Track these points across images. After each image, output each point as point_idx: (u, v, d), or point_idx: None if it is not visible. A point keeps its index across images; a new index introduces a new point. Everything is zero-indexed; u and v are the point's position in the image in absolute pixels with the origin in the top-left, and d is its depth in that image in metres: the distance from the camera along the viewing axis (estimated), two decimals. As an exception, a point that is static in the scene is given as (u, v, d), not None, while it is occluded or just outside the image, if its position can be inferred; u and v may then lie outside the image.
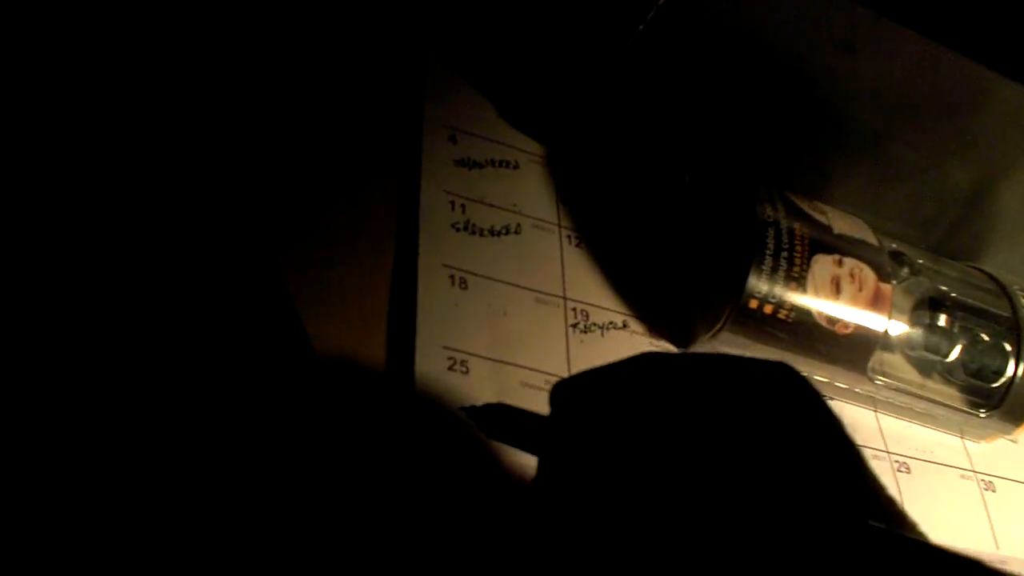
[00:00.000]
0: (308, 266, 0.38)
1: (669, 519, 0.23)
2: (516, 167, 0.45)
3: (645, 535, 0.24)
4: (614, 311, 0.43)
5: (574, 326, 0.41)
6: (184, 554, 0.29)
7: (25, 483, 0.29)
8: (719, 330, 0.42)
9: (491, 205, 0.43)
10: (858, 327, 0.42)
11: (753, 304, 0.41)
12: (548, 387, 0.38)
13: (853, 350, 0.43)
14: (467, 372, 0.37)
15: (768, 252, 0.41)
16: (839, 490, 0.24)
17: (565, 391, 0.28)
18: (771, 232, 0.41)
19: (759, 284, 0.41)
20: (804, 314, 0.41)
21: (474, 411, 0.31)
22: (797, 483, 0.24)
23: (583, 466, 0.25)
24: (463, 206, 0.42)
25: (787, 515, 0.23)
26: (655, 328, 0.44)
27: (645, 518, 0.24)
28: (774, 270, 0.41)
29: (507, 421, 0.30)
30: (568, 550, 0.24)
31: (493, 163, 0.45)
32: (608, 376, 0.28)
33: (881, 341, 0.43)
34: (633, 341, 0.42)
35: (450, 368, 0.37)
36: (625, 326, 0.43)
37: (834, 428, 0.26)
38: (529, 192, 0.45)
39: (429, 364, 0.37)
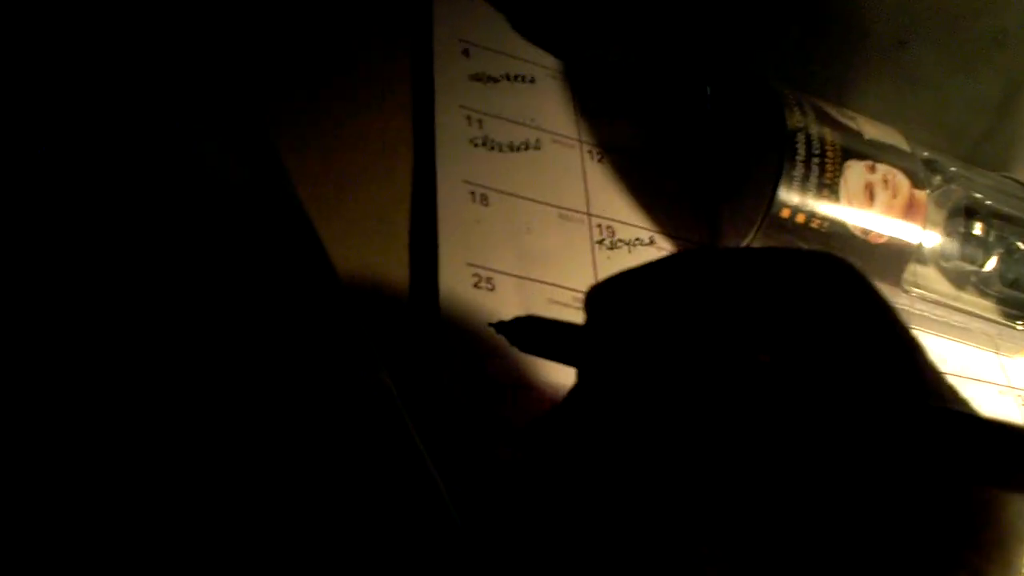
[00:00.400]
0: (324, 186, 0.36)
1: (725, 423, 0.22)
2: (532, 81, 0.43)
3: (702, 441, 0.22)
4: (640, 227, 0.41)
5: (600, 242, 0.40)
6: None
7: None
8: (749, 243, 0.40)
9: (509, 120, 0.41)
10: (892, 236, 0.41)
11: (785, 214, 0.39)
12: (576, 304, 0.37)
13: (887, 261, 0.41)
14: (493, 289, 0.36)
15: (799, 159, 0.39)
16: (903, 376, 0.23)
17: (601, 295, 0.27)
18: (801, 138, 0.40)
19: (790, 193, 0.39)
20: (837, 223, 0.40)
21: (504, 325, 0.30)
22: (858, 373, 0.23)
23: (627, 373, 0.24)
24: (480, 121, 0.40)
25: (850, 404, 0.21)
26: (682, 243, 0.42)
27: (702, 422, 0.22)
28: (805, 178, 0.39)
29: (539, 333, 0.29)
30: (616, 466, 0.23)
31: (508, 77, 0.43)
32: (647, 276, 0.26)
33: (915, 251, 0.42)
34: (661, 256, 0.41)
35: (475, 285, 0.36)
36: (652, 242, 0.41)
37: (890, 318, 0.24)
38: (547, 107, 0.43)
39: (454, 282, 0.35)
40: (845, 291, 0.24)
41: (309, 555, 0.27)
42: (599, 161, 0.43)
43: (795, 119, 0.40)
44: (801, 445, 0.22)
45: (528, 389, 0.34)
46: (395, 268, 0.36)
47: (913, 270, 0.43)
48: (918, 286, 0.44)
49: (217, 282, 0.30)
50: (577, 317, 0.37)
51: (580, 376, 0.26)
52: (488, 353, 0.34)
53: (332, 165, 0.37)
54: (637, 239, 0.41)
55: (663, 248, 0.41)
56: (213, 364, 0.28)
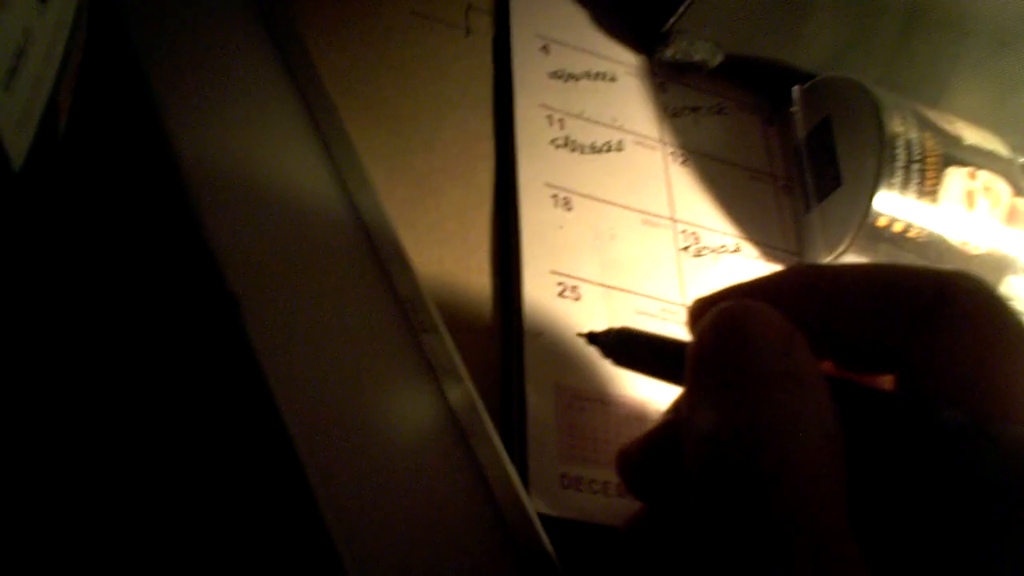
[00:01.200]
0: (403, 187, 0.35)
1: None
2: (613, 80, 0.42)
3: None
4: (726, 233, 0.40)
5: (685, 249, 0.38)
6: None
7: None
8: (843, 252, 0.38)
9: (590, 120, 0.40)
10: (992, 247, 0.39)
11: (882, 222, 0.37)
12: (663, 314, 0.35)
13: (985, 273, 0.39)
14: (578, 298, 0.34)
15: (899, 165, 0.37)
16: None
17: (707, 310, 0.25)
18: (901, 144, 0.38)
19: (889, 200, 0.37)
20: (936, 232, 0.38)
21: (597, 336, 0.29)
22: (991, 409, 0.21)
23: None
24: (561, 121, 0.39)
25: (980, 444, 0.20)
26: (770, 251, 0.40)
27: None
28: (905, 184, 0.37)
29: (636, 346, 0.27)
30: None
31: (589, 75, 0.41)
32: (758, 292, 0.25)
33: (1015, 263, 0.40)
34: (748, 266, 0.39)
35: (560, 294, 0.34)
36: (738, 249, 0.40)
37: None
38: (629, 107, 0.41)
39: (538, 290, 0.34)
40: (982, 316, 0.22)
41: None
42: (683, 164, 0.41)
43: (894, 124, 0.38)
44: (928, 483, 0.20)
45: (614, 404, 0.32)
46: (476, 275, 0.34)
47: (1011, 283, 0.41)
48: (1017, 301, 0.42)
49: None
50: (663, 328, 0.35)
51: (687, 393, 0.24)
52: (575, 365, 0.33)
53: (410, 166, 0.36)
54: (723, 246, 0.39)
55: (749, 256, 0.40)
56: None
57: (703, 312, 0.23)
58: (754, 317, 0.21)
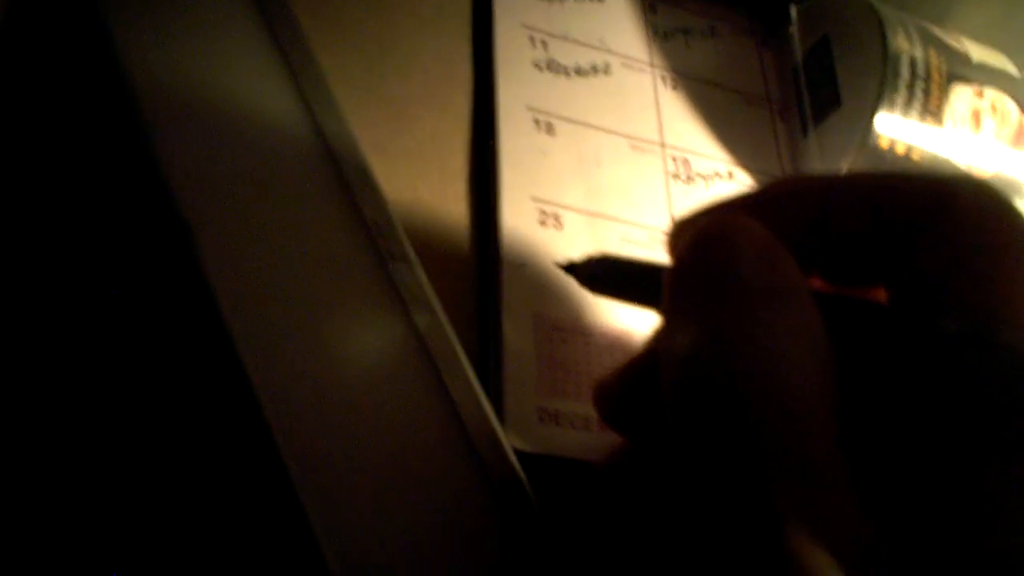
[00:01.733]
0: (375, 113, 0.33)
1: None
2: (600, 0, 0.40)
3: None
4: (718, 159, 0.38)
5: (675, 176, 0.36)
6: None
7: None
8: (842, 176, 0.36)
9: (575, 41, 0.38)
10: (998, 170, 0.37)
11: (883, 144, 0.35)
12: (651, 243, 0.33)
13: (992, 197, 0.37)
14: (560, 227, 0.33)
15: (903, 83, 0.35)
16: None
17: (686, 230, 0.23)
18: (905, 60, 0.35)
19: (892, 120, 0.35)
20: (940, 154, 0.36)
21: (575, 265, 0.27)
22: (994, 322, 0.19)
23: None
24: (544, 42, 0.37)
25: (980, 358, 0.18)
26: (765, 177, 0.38)
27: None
28: (908, 104, 0.35)
29: (614, 273, 0.26)
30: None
31: (574, -6, 0.39)
32: (742, 208, 0.23)
33: (1022, 188, 0.38)
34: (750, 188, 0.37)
35: (541, 222, 0.32)
36: (731, 176, 0.38)
37: None
38: (617, 28, 0.39)
39: (518, 218, 0.32)
40: (987, 222, 0.20)
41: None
42: (673, 88, 0.39)
43: (898, 40, 0.36)
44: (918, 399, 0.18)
45: (596, 336, 0.31)
46: (453, 203, 0.32)
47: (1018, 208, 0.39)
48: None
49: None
50: (652, 256, 0.34)
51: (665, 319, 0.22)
52: (555, 296, 0.31)
53: (383, 91, 0.34)
54: (715, 172, 0.37)
55: (743, 183, 0.38)
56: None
57: (683, 233, 0.21)
58: (734, 231, 0.20)
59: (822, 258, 0.21)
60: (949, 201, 0.20)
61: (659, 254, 0.33)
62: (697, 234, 0.20)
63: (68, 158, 0.27)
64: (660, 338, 0.20)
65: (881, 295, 0.21)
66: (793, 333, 0.18)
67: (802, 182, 0.23)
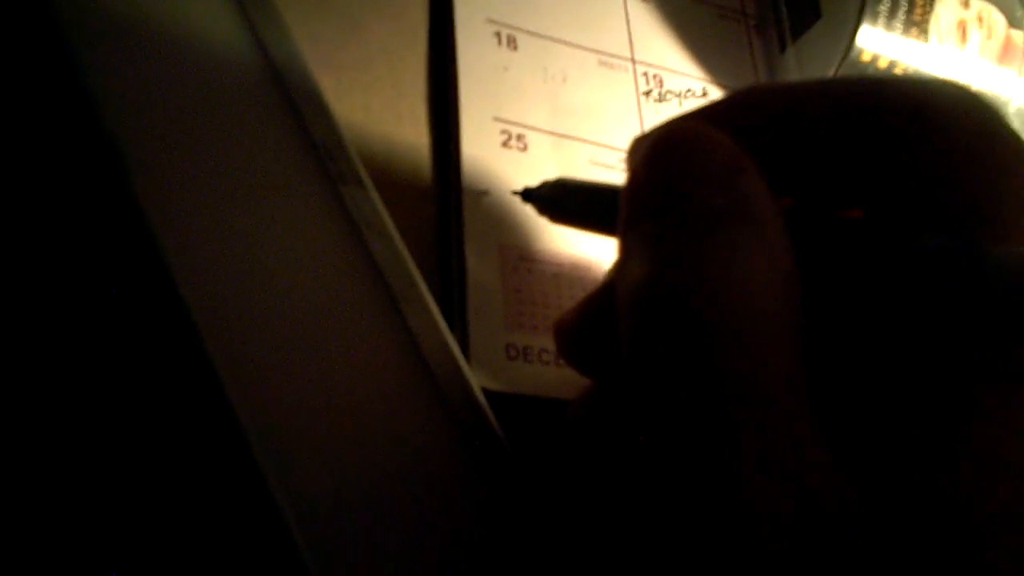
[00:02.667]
0: (321, 24, 0.30)
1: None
2: (563, -100, 0.37)
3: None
4: (692, 76, 0.35)
5: (647, 94, 0.34)
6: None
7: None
8: (822, 92, 0.34)
9: (538, -52, 0.35)
10: (984, 86, 0.35)
11: (865, 58, 0.33)
12: (621, 165, 0.31)
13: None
14: (525, 149, 0.30)
15: (886, -10, 0.33)
16: None
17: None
18: (888, -33, 0.33)
19: (875, 32, 0.33)
20: (924, 69, 0.34)
21: (530, 192, 0.25)
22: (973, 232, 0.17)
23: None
24: (504, -52, 0.34)
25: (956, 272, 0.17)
26: (739, 96, 0.36)
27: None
28: (891, 15, 0.33)
29: (573, 199, 0.24)
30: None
31: None
32: (707, 119, 0.20)
33: (1009, 105, 0.36)
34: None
35: (504, 144, 0.30)
36: (705, 94, 0.35)
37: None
38: (581, -67, 0.36)
39: (479, 140, 0.30)
40: (968, 128, 0.18)
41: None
42: (643, 1, 0.36)
43: (880, -57, 0.33)
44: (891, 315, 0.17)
45: (566, 266, 0.29)
46: (408, 122, 0.30)
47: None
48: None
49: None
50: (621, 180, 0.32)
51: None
52: (521, 223, 0.29)
53: (332, 1, 0.31)
54: (689, 90, 0.35)
55: (718, 101, 0.35)
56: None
57: (641, 149, 0.19)
58: (692, 142, 0.18)
59: (793, 173, 0.19)
60: (926, 106, 0.18)
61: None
62: (653, 144, 0.18)
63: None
64: (616, 266, 0.18)
65: (858, 216, 0.19)
66: (756, 258, 0.16)
67: (769, 90, 0.21)
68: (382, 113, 0.30)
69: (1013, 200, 0.17)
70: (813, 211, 0.18)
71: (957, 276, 0.16)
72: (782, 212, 0.17)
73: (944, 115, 0.18)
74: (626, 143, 0.31)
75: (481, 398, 0.24)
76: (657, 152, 0.18)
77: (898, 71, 0.34)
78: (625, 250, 0.18)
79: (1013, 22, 0.35)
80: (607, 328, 0.20)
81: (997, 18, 0.35)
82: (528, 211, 0.28)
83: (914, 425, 0.16)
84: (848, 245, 0.17)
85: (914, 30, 0.33)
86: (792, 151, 0.19)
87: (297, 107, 0.26)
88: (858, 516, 0.15)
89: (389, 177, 0.28)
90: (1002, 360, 0.16)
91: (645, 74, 0.34)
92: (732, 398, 0.15)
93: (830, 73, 0.34)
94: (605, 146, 0.32)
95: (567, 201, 0.24)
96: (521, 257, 0.28)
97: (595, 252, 0.29)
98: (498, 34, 0.32)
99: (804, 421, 0.15)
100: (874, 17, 0.33)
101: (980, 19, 0.35)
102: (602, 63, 0.34)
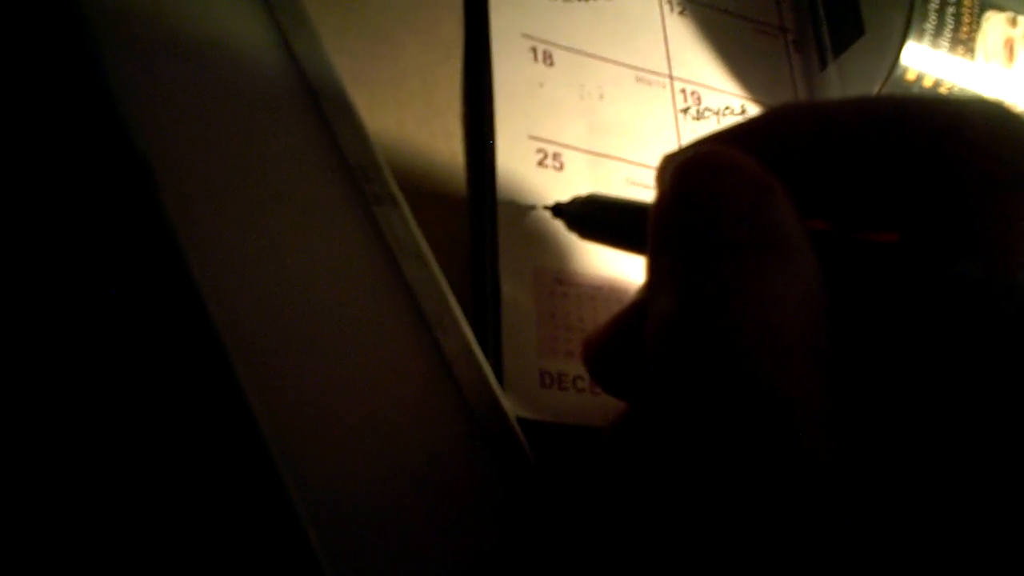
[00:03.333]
0: (355, 40, 0.30)
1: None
2: (601, -85, 0.36)
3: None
4: (730, 93, 0.35)
5: (684, 111, 0.33)
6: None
7: None
8: (864, 111, 0.33)
9: (575, -38, 0.34)
10: (1031, 106, 0.34)
11: (910, 76, 0.32)
12: (658, 185, 0.31)
13: None
14: (561, 168, 0.30)
15: (932, 8, 0.32)
16: None
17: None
18: (934, -16, 0.32)
19: (920, 50, 0.32)
20: (969, 89, 0.33)
21: (561, 208, 0.25)
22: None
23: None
24: (541, -37, 0.33)
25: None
26: (778, 114, 0.35)
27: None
28: (937, 32, 0.32)
29: (603, 216, 0.23)
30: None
31: (573, -90, 0.35)
32: (739, 140, 0.20)
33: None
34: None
35: (540, 163, 0.29)
36: (744, 111, 0.35)
37: None
38: (619, -53, 0.36)
39: (514, 158, 0.29)
40: (1001, 150, 0.18)
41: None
42: (680, 14, 0.36)
43: (927, -40, 0.33)
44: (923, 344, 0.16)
45: (602, 289, 0.28)
46: (443, 141, 0.29)
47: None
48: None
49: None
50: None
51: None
52: (557, 245, 0.28)
53: (364, 15, 0.30)
54: (727, 107, 0.34)
55: (756, 119, 0.35)
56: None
57: (670, 170, 0.19)
58: (720, 168, 0.17)
59: (826, 195, 0.19)
60: (960, 124, 0.18)
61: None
62: (678, 171, 0.18)
63: (12, 95, 0.24)
64: (646, 289, 0.18)
65: (892, 239, 0.19)
66: (783, 284, 0.16)
67: (801, 109, 0.20)
68: (416, 130, 0.29)
69: None
70: (845, 235, 0.18)
71: (992, 308, 0.16)
72: (811, 236, 0.17)
73: (978, 133, 0.17)
74: (663, 162, 0.31)
75: (515, 426, 0.24)
76: (684, 178, 0.17)
77: (943, 90, 0.33)
78: (653, 277, 0.18)
79: (1062, 40, 0.35)
80: (635, 349, 0.20)
81: (1046, 36, 0.34)
82: (564, 232, 0.28)
83: (938, 445, 0.16)
84: (881, 271, 0.17)
85: (960, 48, 0.33)
86: (824, 170, 0.19)
87: (331, 126, 0.26)
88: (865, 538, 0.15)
89: (423, 195, 0.28)
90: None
91: (683, 91, 0.34)
92: (756, 424, 0.15)
93: (874, 91, 0.33)
94: (641, 165, 0.31)
95: (596, 217, 0.24)
96: (556, 280, 0.27)
97: (631, 274, 0.29)
98: (534, 49, 0.31)
99: (826, 444, 0.15)
100: (920, 34, 0.32)
101: (1028, 37, 0.34)
102: (639, 79, 0.33)
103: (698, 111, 0.34)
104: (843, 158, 0.19)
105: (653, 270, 0.18)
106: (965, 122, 0.18)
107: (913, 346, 0.16)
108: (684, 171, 0.17)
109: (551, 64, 0.31)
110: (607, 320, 0.22)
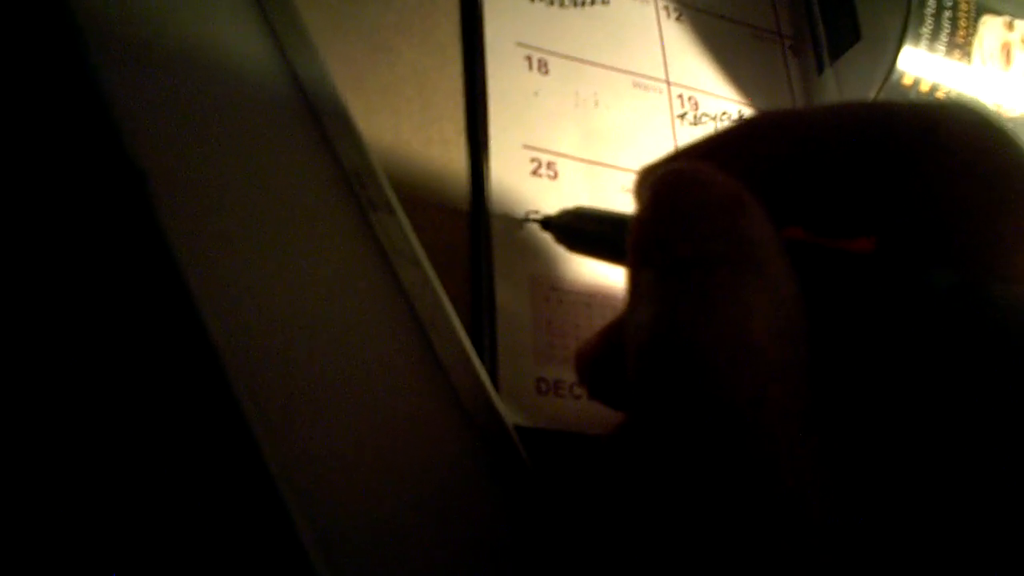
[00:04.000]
0: (352, 46, 0.30)
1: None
2: (597, -78, 0.36)
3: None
4: (727, 98, 0.35)
5: (682, 116, 0.33)
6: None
7: None
8: (861, 116, 0.33)
9: (570, -32, 0.34)
10: (1028, 109, 0.34)
11: (907, 81, 0.32)
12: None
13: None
14: (555, 177, 0.30)
15: (928, 13, 0.32)
16: None
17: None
18: (930, -12, 0.32)
19: (917, 54, 0.32)
20: (966, 92, 0.33)
21: (549, 221, 0.25)
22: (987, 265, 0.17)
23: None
24: (536, -31, 0.33)
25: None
26: (776, 119, 0.35)
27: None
28: (934, 36, 0.32)
29: (589, 229, 0.23)
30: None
31: (568, -83, 0.35)
32: (718, 148, 0.20)
33: (1052, 127, 0.35)
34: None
35: (534, 172, 0.29)
36: (741, 116, 0.35)
37: None
38: (615, -47, 0.36)
39: (509, 168, 0.29)
40: (978, 155, 0.18)
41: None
42: (677, 19, 0.36)
43: (923, -36, 0.33)
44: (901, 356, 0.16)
45: (598, 297, 0.28)
46: (438, 146, 0.29)
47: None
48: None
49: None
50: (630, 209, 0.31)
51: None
52: (552, 253, 0.28)
53: (359, 20, 0.30)
54: (724, 113, 0.34)
55: (753, 124, 0.35)
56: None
57: (646, 182, 0.19)
58: (691, 183, 0.17)
59: (802, 203, 0.19)
60: (936, 127, 0.18)
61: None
62: (652, 188, 0.18)
63: (6, 103, 0.24)
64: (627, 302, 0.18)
65: (868, 247, 0.19)
66: (756, 299, 0.16)
67: (776, 117, 0.20)
68: (412, 136, 0.29)
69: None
70: (820, 245, 0.18)
71: (966, 317, 0.16)
72: (786, 247, 0.17)
73: (954, 136, 0.18)
74: (660, 168, 0.31)
75: (512, 432, 0.24)
76: (658, 194, 0.18)
77: (940, 94, 0.33)
78: (632, 290, 0.18)
79: (1059, 44, 0.34)
80: (623, 359, 0.20)
81: (1043, 40, 0.34)
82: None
83: (914, 455, 0.16)
84: (856, 280, 0.17)
85: (957, 52, 0.32)
86: (801, 178, 0.19)
87: (327, 132, 0.26)
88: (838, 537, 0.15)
89: (419, 201, 0.28)
90: (1002, 397, 0.16)
91: (680, 96, 0.34)
92: (730, 432, 0.15)
93: (871, 95, 0.33)
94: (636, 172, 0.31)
95: (582, 231, 0.24)
96: (552, 288, 0.27)
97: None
98: (529, 57, 0.31)
99: (801, 453, 0.15)
100: (916, 39, 0.32)
101: (1025, 41, 0.34)
102: (636, 84, 0.33)
103: (695, 116, 0.34)
104: (819, 165, 0.19)
105: (632, 284, 0.18)
106: (940, 126, 0.18)
107: (889, 354, 0.16)
108: (657, 187, 0.18)
109: (546, 72, 0.31)
110: (598, 331, 0.22)
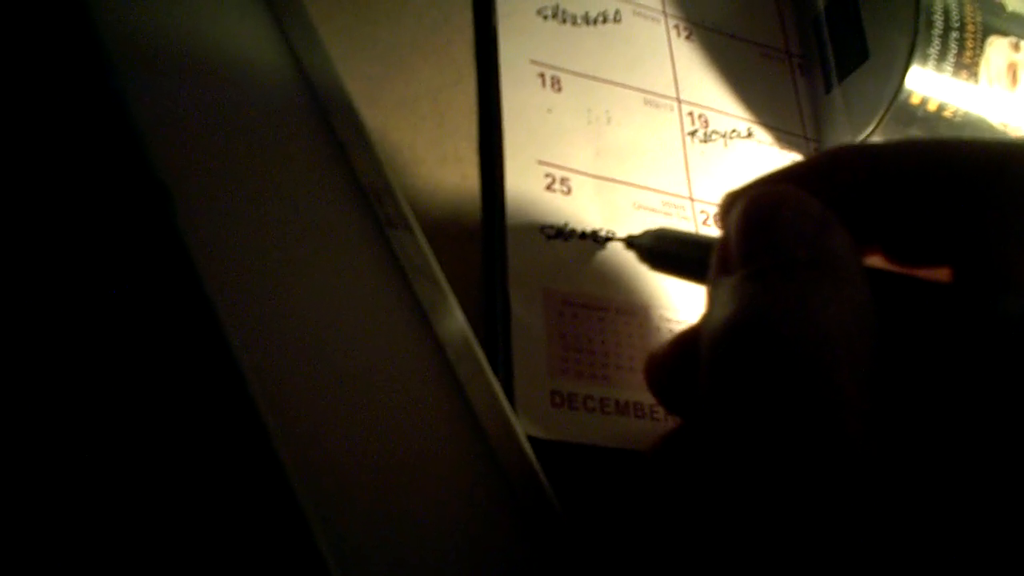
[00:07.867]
0: (368, 63, 0.30)
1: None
2: (608, -58, 0.37)
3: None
4: (736, 116, 0.35)
5: (692, 134, 0.34)
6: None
7: None
8: (870, 135, 0.34)
9: (583, -12, 0.35)
10: (1034, 129, 0.35)
11: (914, 101, 0.33)
12: (666, 208, 0.31)
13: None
14: (568, 192, 0.30)
15: (935, 34, 0.32)
16: None
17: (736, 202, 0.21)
18: (938, 9, 0.33)
19: (924, 75, 0.33)
20: (973, 111, 0.33)
21: (633, 240, 0.27)
22: None
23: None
24: (549, -11, 0.34)
25: None
26: (785, 136, 0.36)
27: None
28: (941, 57, 0.33)
29: (673, 249, 0.25)
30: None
31: (580, -63, 0.36)
32: (798, 179, 0.22)
33: (1057, 146, 0.35)
34: (760, 152, 0.35)
35: (548, 187, 0.30)
36: (750, 134, 0.35)
37: None
38: (626, -27, 0.36)
39: (523, 184, 0.29)
40: None
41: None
42: (687, 38, 0.36)
43: (930, -15, 0.33)
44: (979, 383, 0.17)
45: (611, 311, 0.28)
46: (453, 163, 0.30)
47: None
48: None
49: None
50: (668, 223, 0.31)
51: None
52: (566, 267, 0.28)
53: (375, 38, 0.31)
54: (733, 131, 0.35)
55: (762, 141, 0.35)
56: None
57: (733, 205, 0.20)
58: (782, 203, 0.19)
59: (882, 232, 0.21)
60: (1009, 164, 0.19)
61: (674, 222, 0.31)
62: (744, 207, 0.19)
63: (28, 116, 0.25)
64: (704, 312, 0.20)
65: (945, 276, 0.20)
66: (835, 307, 0.17)
67: (853, 151, 0.22)
68: (427, 153, 0.29)
69: None
70: (898, 273, 0.19)
71: None
72: (865, 267, 0.18)
73: (1020, 173, 0.19)
74: (670, 186, 0.31)
75: (527, 446, 0.24)
76: (750, 211, 0.19)
77: (947, 114, 0.33)
78: (713, 295, 0.19)
79: (1065, 64, 0.35)
80: (693, 366, 0.21)
81: (1048, 60, 0.35)
82: (572, 255, 0.28)
83: (980, 481, 0.17)
84: (930, 308, 0.18)
85: (964, 72, 0.33)
86: (877, 208, 0.20)
87: (344, 148, 0.26)
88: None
89: (435, 217, 0.28)
90: None
91: (691, 113, 0.34)
92: (804, 422, 0.16)
93: (878, 114, 0.33)
94: (649, 189, 0.32)
95: (666, 250, 0.25)
96: (566, 302, 0.28)
97: (641, 296, 0.29)
98: (542, 75, 0.32)
99: (867, 444, 0.16)
100: (924, 59, 0.32)
101: (1031, 61, 0.34)
102: (647, 102, 0.33)
103: (705, 134, 0.34)
104: (894, 197, 0.20)
105: (714, 288, 0.19)
106: (1009, 163, 0.19)
107: (959, 376, 0.17)
108: (749, 205, 0.19)
109: (559, 90, 0.32)
110: (670, 338, 0.23)
